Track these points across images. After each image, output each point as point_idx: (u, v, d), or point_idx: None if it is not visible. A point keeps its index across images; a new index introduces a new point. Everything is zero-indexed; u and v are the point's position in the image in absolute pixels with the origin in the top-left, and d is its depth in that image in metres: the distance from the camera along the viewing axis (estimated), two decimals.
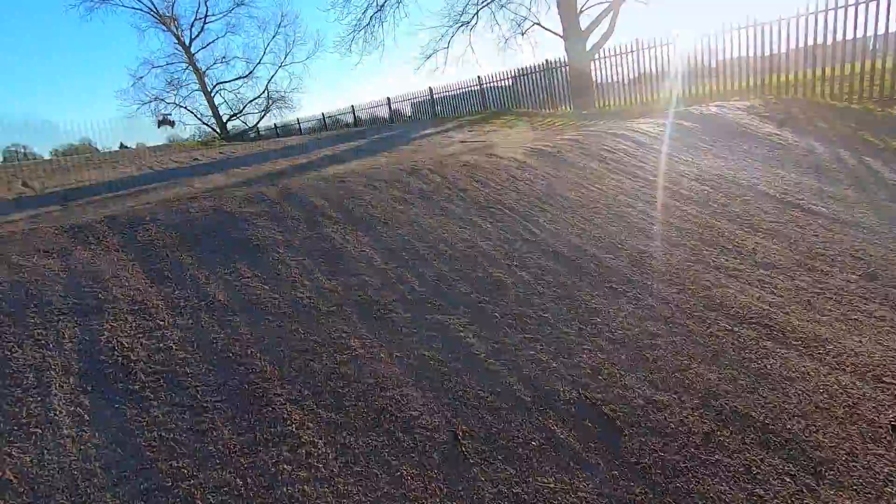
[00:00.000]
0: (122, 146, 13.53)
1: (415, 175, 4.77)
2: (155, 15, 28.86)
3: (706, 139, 6.41)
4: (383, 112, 21.64)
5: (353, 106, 23.22)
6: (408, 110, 20.95)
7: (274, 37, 36.19)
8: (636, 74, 13.81)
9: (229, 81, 32.09)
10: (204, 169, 12.26)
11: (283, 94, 32.60)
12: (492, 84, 17.49)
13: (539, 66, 16.09)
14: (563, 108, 15.55)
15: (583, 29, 16.18)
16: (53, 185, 9.35)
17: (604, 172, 5.12)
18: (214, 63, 31.64)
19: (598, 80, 14.82)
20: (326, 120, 24.59)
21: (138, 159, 11.98)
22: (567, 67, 15.48)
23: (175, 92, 30.93)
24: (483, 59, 55.95)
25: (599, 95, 14.92)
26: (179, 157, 12.55)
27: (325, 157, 9.87)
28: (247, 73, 32.22)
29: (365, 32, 19.79)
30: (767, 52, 10.63)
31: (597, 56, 14.86)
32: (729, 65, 11.67)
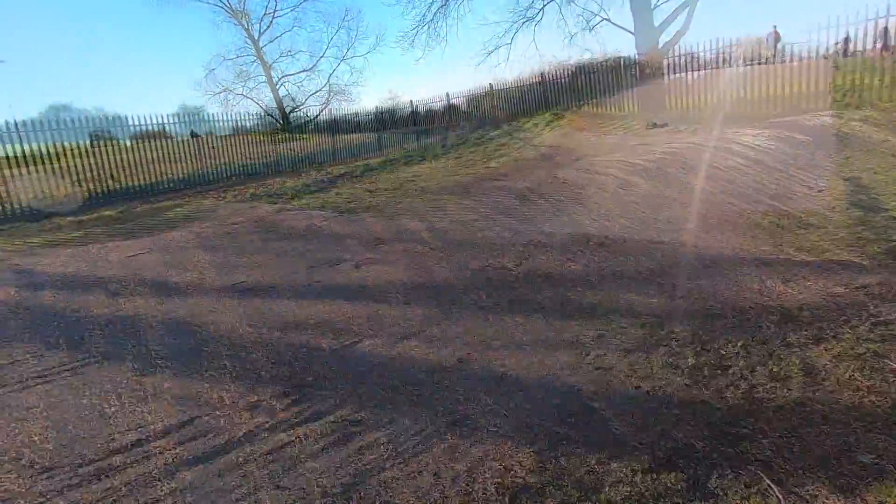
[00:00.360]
0: (192, 134, 14.20)
1: (514, 194, 4.61)
2: (227, 10, 29.31)
3: (827, 155, 5.82)
4: (440, 106, 21.56)
5: (412, 101, 23.24)
6: (465, 106, 20.74)
7: (337, 31, 36.71)
8: (710, 74, 12.95)
9: (294, 74, 33.24)
10: (277, 167, 12.64)
11: (344, 86, 33.37)
12: (555, 80, 16.94)
13: (607, 63, 15.41)
14: (630, 106, 14.82)
15: (656, 25, 15.35)
16: (137, 182, 9.88)
17: (719, 196, 4.73)
18: (280, 56, 32.77)
19: (669, 79, 14.01)
20: (384, 115, 24.77)
21: (210, 152, 12.45)
22: (637, 65, 14.72)
23: (243, 83, 32.15)
24: (546, 55, 54.69)
25: (668, 94, 14.10)
26: (251, 152, 12.97)
27: (397, 160, 9.90)
28: (311, 66, 33.15)
29: (428, 28, 19.68)
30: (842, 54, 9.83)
31: (669, 54, 14.06)
32: (800, 66, 10.72)
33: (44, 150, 10.20)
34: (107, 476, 1.94)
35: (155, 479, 1.92)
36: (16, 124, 9.84)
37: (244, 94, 32.70)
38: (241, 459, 2.06)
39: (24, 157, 9.89)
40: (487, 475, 1.91)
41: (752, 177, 5.05)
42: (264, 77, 32.42)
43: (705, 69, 12.80)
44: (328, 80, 33.12)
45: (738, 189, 4.80)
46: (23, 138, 9.96)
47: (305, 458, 2.05)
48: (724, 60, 12.13)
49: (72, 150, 10.49)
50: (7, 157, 9.77)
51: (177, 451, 2.10)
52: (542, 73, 17.26)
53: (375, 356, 2.94)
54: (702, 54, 12.67)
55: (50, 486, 1.89)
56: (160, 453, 2.08)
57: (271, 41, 32.36)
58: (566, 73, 16.52)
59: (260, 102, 33.17)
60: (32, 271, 5.57)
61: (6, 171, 9.48)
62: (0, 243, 7.33)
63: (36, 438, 2.25)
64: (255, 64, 32.14)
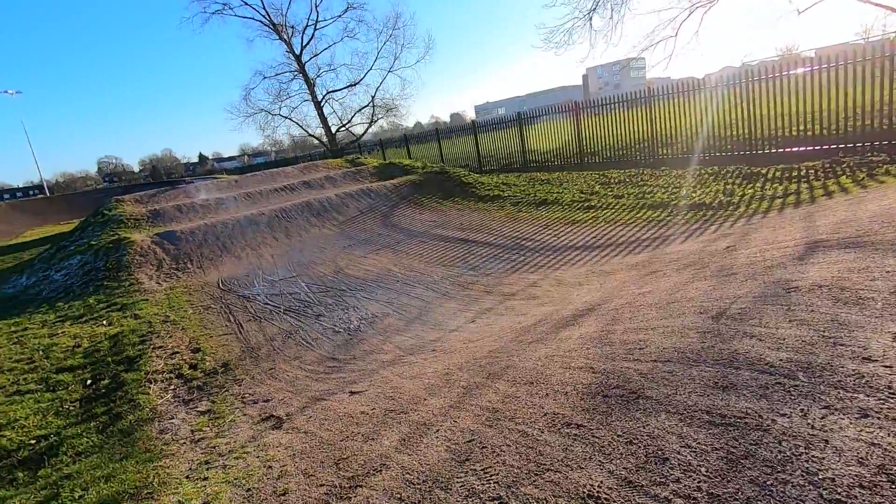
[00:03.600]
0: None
1: None
2: (268, 23, 28.15)
3: None
4: None
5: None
6: None
7: (386, 41, 31.49)
8: None
9: (340, 90, 30.04)
10: None
11: (393, 101, 30.05)
12: None
13: None
14: None
15: None
16: None
17: None
18: (321, 71, 28.64)
19: None
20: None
21: None
22: None
23: (281, 103, 29.27)
24: None
25: None
26: None
27: None
28: (358, 80, 29.55)
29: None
30: None
31: None
32: None
33: None
34: None
35: None
36: None
37: (282, 114, 29.36)
38: None
39: None
40: None
41: None
42: (306, 95, 29.45)
43: None
44: (373, 96, 29.26)
45: None
46: None
47: None
48: None
49: None
50: None
51: None
52: None
53: None
54: None
55: None
56: None
57: (316, 55, 28.99)
58: None
59: (300, 122, 30.03)
60: None
61: None
62: None
63: None
64: (294, 81, 29.30)
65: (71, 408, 4.15)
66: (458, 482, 2.16)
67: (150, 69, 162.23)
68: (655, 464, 1.85)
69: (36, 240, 15.56)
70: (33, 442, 3.66)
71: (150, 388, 4.32)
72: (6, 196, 53.49)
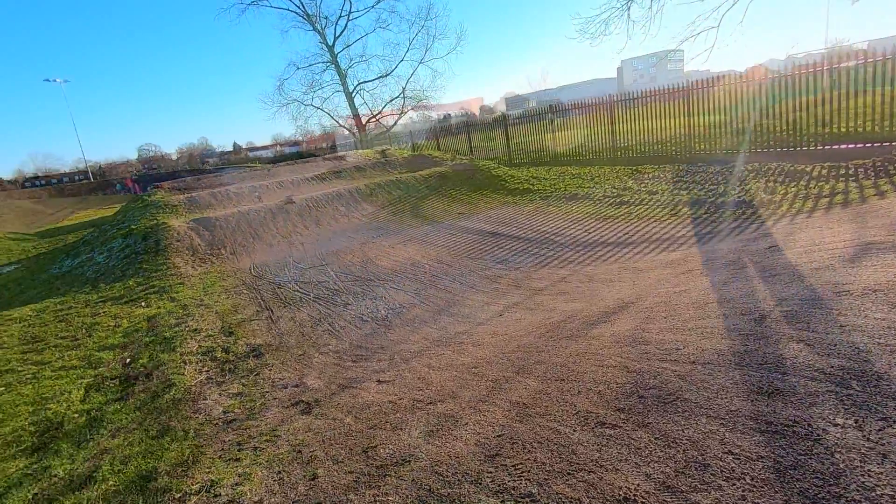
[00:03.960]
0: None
1: None
2: (302, 14, 28.56)
3: None
4: None
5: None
6: None
7: (418, 32, 29.27)
8: None
9: (371, 81, 29.17)
10: None
11: (423, 92, 28.84)
12: None
13: None
14: None
15: None
16: None
17: None
18: (352, 62, 26.69)
19: None
20: None
21: None
22: None
23: (313, 94, 28.93)
24: None
25: None
26: None
27: None
28: (389, 71, 29.05)
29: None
30: None
31: None
32: None
33: None
34: None
35: None
36: None
37: (314, 104, 29.50)
38: None
39: None
40: None
41: None
42: (338, 86, 29.98)
43: None
44: (404, 88, 29.57)
45: None
46: None
47: None
48: None
49: None
50: None
51: None
52: None
53: None
54: None
55: None
56: None
57: (348, 46, 28.40)
58: None
59: (330, 113, 28.91)
60: None
61: None
62: None
63: None
64: (327, 72, 29.30)
65: (111, 385, 4.31)
66: (487, 476, 2.13)
67: (188, 60, 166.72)
68: (696, 469, 1.78)
69: (81, 223, 16.24)
70: (76, 416, 3.82)
71: (185, 368, 4.44)
72: (54, 181, 56.13)
